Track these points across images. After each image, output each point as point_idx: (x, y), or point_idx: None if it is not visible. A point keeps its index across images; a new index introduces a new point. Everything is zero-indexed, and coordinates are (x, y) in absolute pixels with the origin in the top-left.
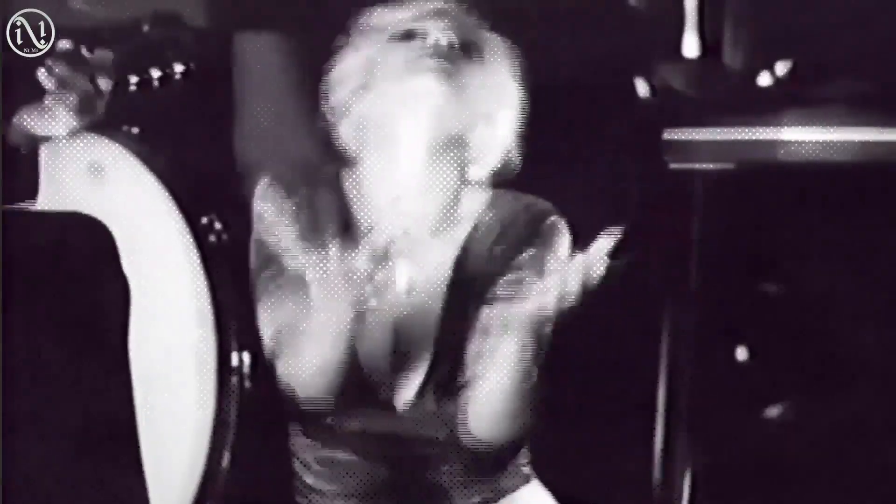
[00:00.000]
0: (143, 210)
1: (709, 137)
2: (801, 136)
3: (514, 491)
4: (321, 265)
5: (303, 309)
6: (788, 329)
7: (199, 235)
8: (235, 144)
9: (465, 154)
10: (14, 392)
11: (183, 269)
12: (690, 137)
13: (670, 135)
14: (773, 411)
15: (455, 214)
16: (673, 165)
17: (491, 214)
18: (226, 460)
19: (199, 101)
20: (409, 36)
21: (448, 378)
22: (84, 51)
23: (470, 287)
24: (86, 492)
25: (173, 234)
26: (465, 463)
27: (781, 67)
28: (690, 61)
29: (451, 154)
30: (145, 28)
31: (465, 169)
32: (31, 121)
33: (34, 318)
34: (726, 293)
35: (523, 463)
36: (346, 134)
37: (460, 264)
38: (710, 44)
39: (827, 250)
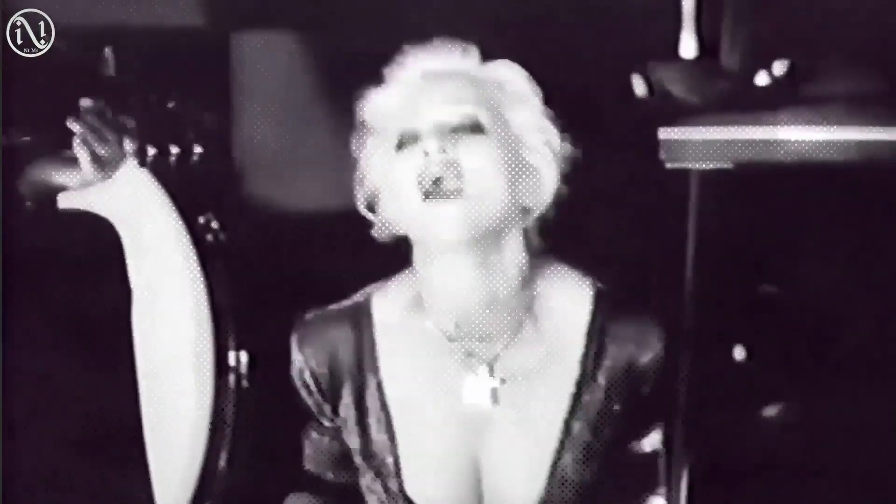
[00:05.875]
0: (141, 208)
1: (706, 137)
2: (799, 135)
3: None
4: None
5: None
6: (786, 329)
7: (197, 234)
8: (233, 143)
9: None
10: (14, 393)
11: (180, 268)
12: (687, 137)
13: (666, 134)
14: (770, 411)
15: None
16: (669, 165)
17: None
18: (223, 460)
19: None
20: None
21: None
22: (109, 113)
23: None
24: (89, 493)
25: (171, 233)
26: None
27: (779, 67)
28: (687, 62)
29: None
30: (170, 105)
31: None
32: (50, 170)
33: (36, 316)
34: (723, 293)
35: None
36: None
37: None
38: (707, 43)
39: (825, 250)
